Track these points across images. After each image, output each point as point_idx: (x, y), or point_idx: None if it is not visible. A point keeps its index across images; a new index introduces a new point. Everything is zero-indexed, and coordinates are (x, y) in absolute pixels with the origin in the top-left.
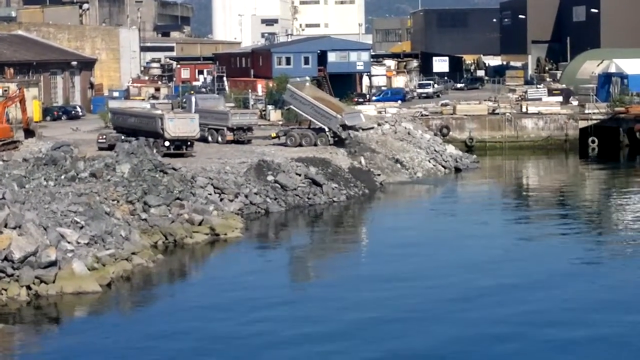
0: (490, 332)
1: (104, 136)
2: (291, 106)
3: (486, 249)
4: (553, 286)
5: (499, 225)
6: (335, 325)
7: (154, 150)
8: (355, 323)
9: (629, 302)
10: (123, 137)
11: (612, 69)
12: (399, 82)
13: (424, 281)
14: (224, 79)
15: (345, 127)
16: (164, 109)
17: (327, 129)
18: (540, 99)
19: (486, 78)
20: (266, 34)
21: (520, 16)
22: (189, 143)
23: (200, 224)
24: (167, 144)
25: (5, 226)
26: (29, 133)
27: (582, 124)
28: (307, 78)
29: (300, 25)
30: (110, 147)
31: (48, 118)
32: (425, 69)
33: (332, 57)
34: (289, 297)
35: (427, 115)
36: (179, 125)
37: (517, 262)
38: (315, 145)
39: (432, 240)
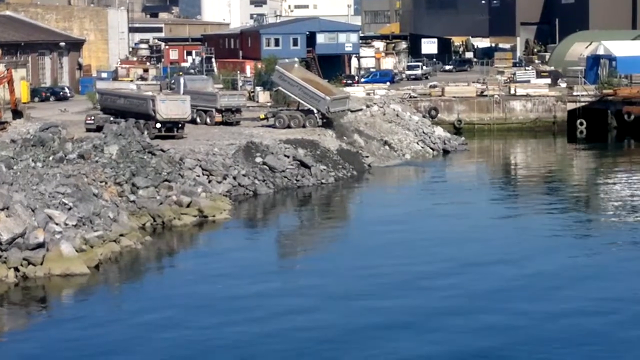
0: (455, 304)
1: (92, 117)
2: (279, 87)
3: (470, 228)
4: (528, 262)
5: (484, 205)
6: (323, 306)
7: (145, 132)
8: (343, 300)
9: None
10: (112, 119)
11: (601, 51)
12: (388, 63)
13: (409, 259)
14: (213, 60)
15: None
16: (152, 90)
17: (315, 111)
18: (528, 81)
19: (475, 60)
20: (255, 15)
21: None
22: (180, 125)
23: (188, 205)
24: (158, 125)
25: None
26: (17, 114)
27: (571, 106)
28: (296, 59)
29: (289, 7)
30: (99, 129)
31: (36, 99)
32: (414, 51)
33: (320, 38)
34: (277, 279)
35: (415, 97)
36: (171, 107)
37: (498, 240)
38: (304, 127)
39: (419, 220)
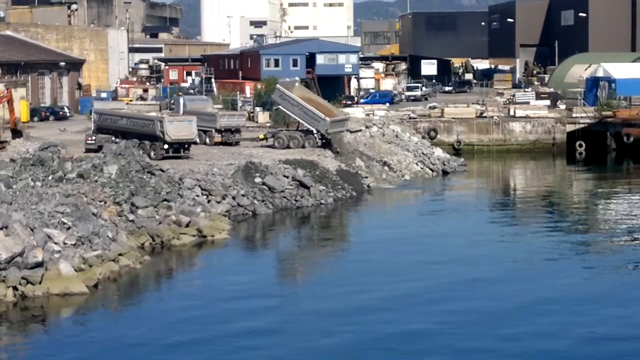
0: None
1: (93, 137)
2: (280, 106)
3: (468, 250)
4: (526, 282)
5: (484, 227)
6: (322, 327)
7: (152, 153)
8: (341, 320)
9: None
10: (114, 139)
11: (600, 73)
12: (387, 84)
13: (410, 282)
14: (212, 80)
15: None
16: (147, 110)
17: (315, 131)
18: (528, 103)
19: (474, 81)
20: (255, 36)
21: (509, 20)
22: (186, 145)
23: (187, 225)
24: (166, 146)
25: None
26: (17, 133)
27: (570, 127)
28: (297, 78)
29: (289, 27)
30: (99, 149)
31: (36, 118)
32: (414, 72)
33: (320, 59)
34: (275, 299)
35: (415, 118)
36: (179, 127)
37: (497, 263)
38: (303, 147)
39: (418, 242)
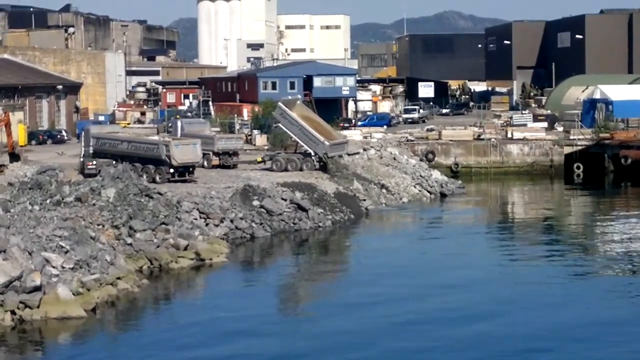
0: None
1: (94, 162)
2: (280, 124)
3: (467, 274)
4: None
5: (483, 250)
6: (321, 351)
7: (157, 177)
8: (340, 347)
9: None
10: (114, 163)
11: (597, 95)
12: (385, 107)
13: (408, 306)
14: (210, 103)
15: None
16: (149, 133)
17: (313, 153)
18: (525, 125)
19: (472, 103)
20: (252, 59)
21: (506, 42)
22: (191, 169)
23: (185, 248)
24: (172, 170)
25: None
26: (14, 157)
27: (567, 149)
28: (299, 96)
29: (286, 50)
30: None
31: (33, 142)
32: (411, 94)
33: (317, 81)
34: (274, 324)
35: (412, 141)
36: (185, 151)
37: (496, 286)
38: (301, 170)
39: (417, 266)
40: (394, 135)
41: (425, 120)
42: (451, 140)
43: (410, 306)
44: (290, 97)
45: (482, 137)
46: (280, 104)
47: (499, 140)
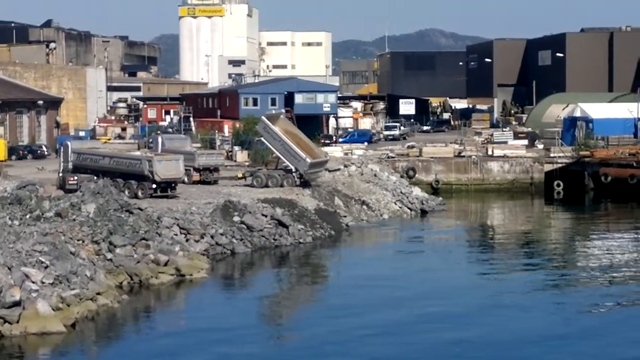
0: None
1: (75, 177)
2: (262, 138)
3: (447, 289)
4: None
5: (463, 266)
6: None
7: (139, 193)
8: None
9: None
10: (95, 179)
11: (578, 113)
12: (366, 124)
13: (385, 316)
14: (191, 119)
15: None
16: (130, 149)
17: (294, 169)
18: (506, 142)
19: (457, 121)
20: (233, 75)
21: (487, 60)
22: (173, 184)
23: (165, 264)
24: (154, 186)
25: None
26: None
27: (548, 167)
28: (283, 110)
29: (268, 67)
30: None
31: (13, 157)
32: (392, 111)
33: (299, 98)
34: (254, 338)
35: (393, 157)
36: (167, 166)
37: (474, 303)
38: (282, 186)
39: (397, 282)
40: (374, 152)
41: (406, 137)
42: (432, 157)
43: (387, 317)
44: (274, 111)
45: (462, 154)
46: (263, 117)
47: (480, 157)
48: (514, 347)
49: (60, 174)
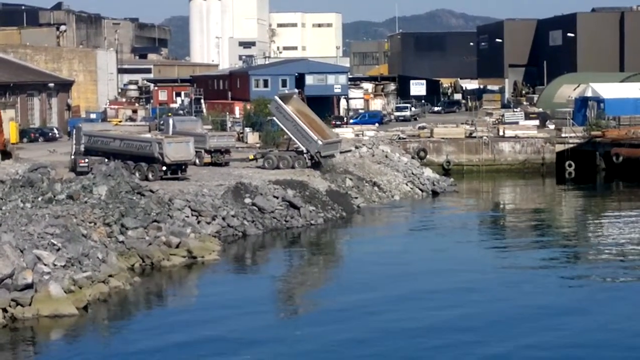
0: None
1: (86, 160)
2: (274, 118)
3: (459, 274)
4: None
5: (475, 248)
6: (312, 351)
7: (150, 175)
8: (331, 347)
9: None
10: (106, 161)
11: (589, 93)
12: (377, 105)
13: (398, 305)
14: (202, 101)
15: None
16: (141, 131)
17: (305, 151)
18: (517, 123)
19: (463, 101)
20: (244, 57)
21: (497, 40)
22: (183, 166)
23: (177, 246)
24: (164, 168)
25: None
26: (6, 155)
27: (559, 147)
28: (296, 90)
29: (278, 48)
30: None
31: (25, 140)
32: (403, 92)
33: (309, 79)
34: (266, 322)
35: (404, 139)
36: (177, 149)
37: (491, 290)
38: (293, 167)
39: (408, 264)
40: (385, 133)
41: (417, 118)
42: (443, 138)
43: (401, 305)
44: (287, 91)
45: (473, 135)
46: (276, 97)
47: (491, 138)
48: (532, 319)
49: (73, 157)
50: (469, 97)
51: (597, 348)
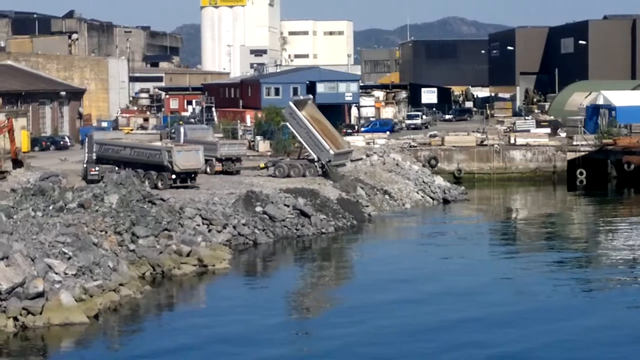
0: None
1: (96, 168)
2: (287, 124)
3: (471, 281)
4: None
5: (486, 257)
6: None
7: (159, 183)
8: (343, 354)
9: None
10: (117, 169)
11: (600, 101)
12: (388, 113)
13: (416, 317)
14: (213, 109)
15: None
16: (152, 139)
17: (316, 159)
18: (528, 131)
19: (474, 109)
20: (255, 65)
21: (509, 48)
22: (193, 175)
23: (188, 255)
24: (174, 176)
25: None
26: (17, 163)
27: (570, 155)
28: (310, 96)
29: (289, 56)
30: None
31: (36, 148)
32: (414, 100)
33: (321, 87)
34: (277, 331)
35: (415, 147)
36: (187, 157)
37: (502, 296)
38: (304, 176)
39: (420, 272)
40: (396, 141)
41: (428, 126)
42: (454, 146)
43: (413, 312)
44: (302, 97)
45: (485, 143)
46: (290, 103)
47: (502, 146)
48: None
49: (85, 165)
50: (487, 105)
51: (610, 352)
